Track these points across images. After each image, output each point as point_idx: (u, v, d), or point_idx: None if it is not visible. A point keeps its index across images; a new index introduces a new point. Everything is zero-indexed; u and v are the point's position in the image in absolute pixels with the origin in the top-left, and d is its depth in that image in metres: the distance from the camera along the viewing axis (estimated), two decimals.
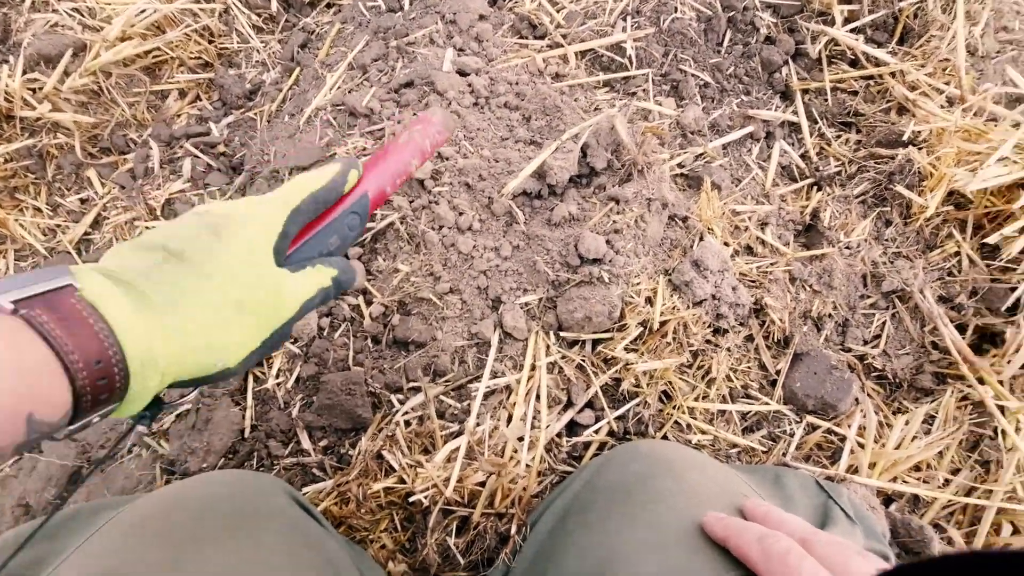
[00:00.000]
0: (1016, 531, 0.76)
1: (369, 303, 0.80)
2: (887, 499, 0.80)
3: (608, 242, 0.75)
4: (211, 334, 0.41)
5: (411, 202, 0.80)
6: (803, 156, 0.94)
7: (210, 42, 1.09)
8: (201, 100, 1.06)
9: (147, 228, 0.94)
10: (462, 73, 0.90)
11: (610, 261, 0.75)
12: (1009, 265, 0.80)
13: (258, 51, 1.10)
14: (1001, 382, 0.78)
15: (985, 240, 0.81)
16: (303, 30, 1.09)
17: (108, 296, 0.36)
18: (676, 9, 0.96)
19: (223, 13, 1.10)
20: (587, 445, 0.77)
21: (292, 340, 0.80)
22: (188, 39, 1.06)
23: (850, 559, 0.41)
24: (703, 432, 0.79)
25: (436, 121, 0.65)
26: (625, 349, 0.76)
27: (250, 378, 0.81)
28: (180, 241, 0.42)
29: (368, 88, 0.90)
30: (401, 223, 0.79)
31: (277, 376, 0.80)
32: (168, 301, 0.39)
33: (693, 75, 0.94)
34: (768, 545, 0.42)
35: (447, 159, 0.82)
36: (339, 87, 0.92)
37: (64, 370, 0.33)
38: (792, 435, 0.82)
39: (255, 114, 1.03)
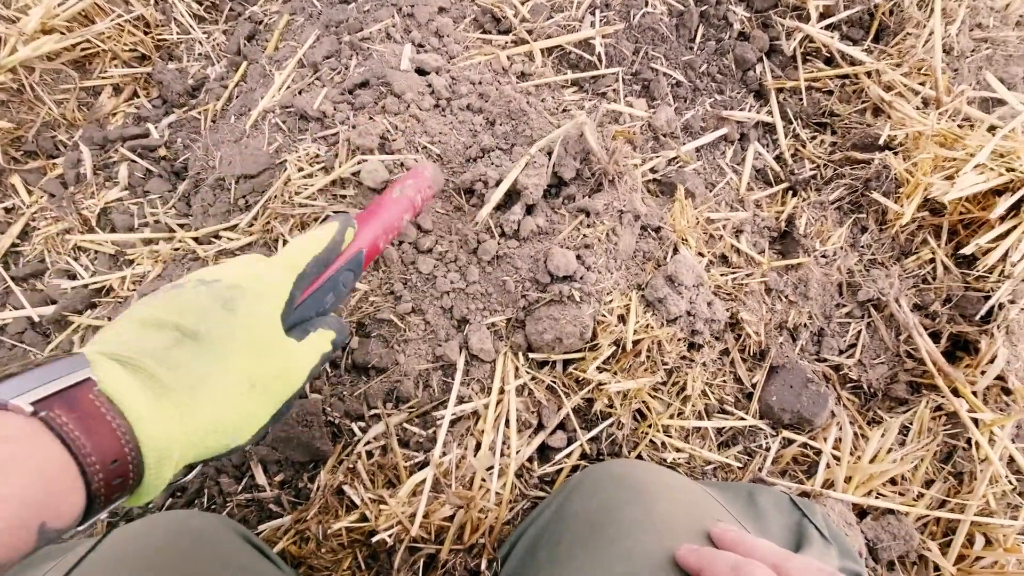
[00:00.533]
0: (989, 543, 0.76)
1: None
2: (862, 512, 0.79)
3: (579, 257, 0.71)
4: (227, 416, 0.41)
5: None
6: (778, 159, 0.91)
7: (146, 33, 1.00)
8: (138, 97, 0.98)
9: (81, 240, 0.87)
10: (421, 72, 0.84)
11: (581, 278, 0.71)
12: (984, 274, 0.79)
13: (200, 43, 1.01)
14: (975, 393, 0.78)
15: (960, 247, 0.79)
16: (250, 20, 1.01)
17: (126, 390, 0.35)
18: (647, 3, 0.91)
19: (160, 1, 1.01)
20: (560, 470, 0.74)
21: None
22: (121, 30, 0.97)
23: None
24: (678, 450, 0.76)
25: (427, 176, 0.68)
26: (597, 369, 0.73)
27: None
28: (194, 319, 0.41)
29: (320, 88, 0.84)
30: None
31: None
32: (186, 387, 0.38)
33: (665, 74, 0.90)
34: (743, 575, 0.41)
35: (408, 169, 0.76)
36: (288, 87, 0.85)
37: (81, 474, 0.32)
38: (768, 450, 0.80)
39: (199, 113, 0.95)
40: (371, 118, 0.80)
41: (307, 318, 0.51)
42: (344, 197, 0.78)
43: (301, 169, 0.80)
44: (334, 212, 0.76)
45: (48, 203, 0.89)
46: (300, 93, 0.84)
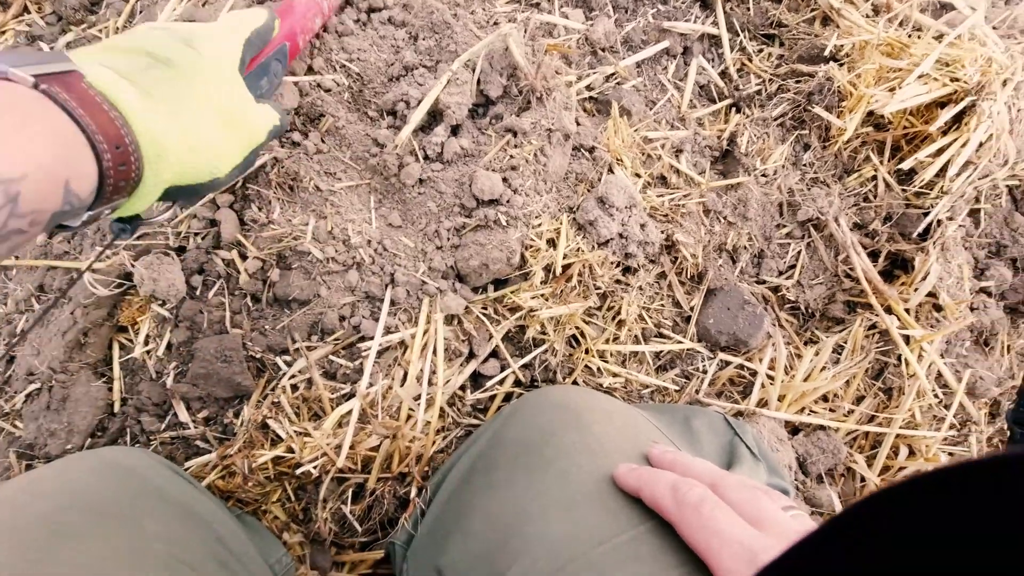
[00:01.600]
0: (912, 453, 0.78)
1: (244, 257, 0.71)
2: (795, 429, 0.81)
3: (505, 180, 0.68)
4: (208, 136, 0.43)
5: (281, 144, 0.69)
6: (723, 74, 0.87)
7: None
8: (29, 13, 0.89)
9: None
10: None
11: (507, 201, 0.67)
12: (923, 190, 0.78)
13: None
14: (908, 310, 0.78)
15: (901, 164, 0.78)
16: None
17: (115, 86, 0.36)
18: None
19: None
20: (493, 397, 0.74)
21: (160, 303, 0.71)
22: None
23: (759, 501, 0.42)
24: (614, 375, 0.76)
25: None
26: (530, 296, 0.71)
27: (115, 347, 0.72)
28: (162, 49, 0.42)
29: (226, 0, 0.76)
30: (273, 165, 0.69)
31: (146, 343, 0.71)
32: (167, 98, 0.40)
33: None
34: (682, 495, 0.42)
35: (328, 91, 0.71)
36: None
37: (91, 147, 0.33)
38: (705, 372, 0.80)
39: (100, 31, 0.87)
40: None
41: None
42: None
43: None
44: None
45: None
46: (203, 5, 0.77)
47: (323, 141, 0.70)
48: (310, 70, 0.71)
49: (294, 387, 0.69)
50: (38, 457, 0.69)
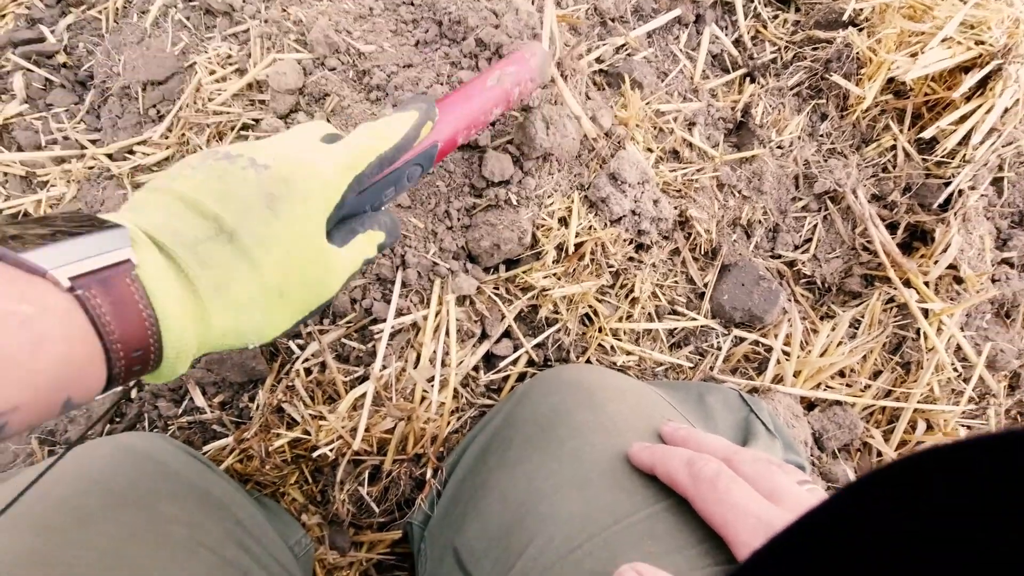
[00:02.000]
0: (930, 428, 0.77)
1: None
2: (811, 405, 0.80)
3: (515, 160, 0.67)
4: (250, 322, 0.40)
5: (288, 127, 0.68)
6: (736, 43, 0.84)
7: None
8: None
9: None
10: None
11: (519, 182, 0.66)
12: (944, 159, 0.75)
13: None
14: (927, 283, 0.76)
15: (922, 133, 0.75)
16: None
17: (160, 282, 0.35)
18: None
19: None
20: (506, 377, 0.73)
21: None
22: None
23: (774, 475, 0.41)
24: (628, 353, 0.75)
25: (533, 66, 0.56)
26: (542, 276, 0.70)
27: None
28: (234, 214, 0.38)
29: None
30: None
31: None
32: (213, 287, 0.37)
33: None
34: (697, 470, 0.41)
35: (332, 70, 0.69)
36: None
37: (105, 355, 0.33)
38: (719, 349, 0.80)
39: (99, 12, 0.85)
40: (284, 9, 0.72)
41: (358, 213, 0.46)
42: (263, 103, 0.72)
43: (212, 72, 0.73)
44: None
45: None
46: None
47: (328, 121, 0.69)
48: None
49: (307, 371, 0.69)
50: (59, 443, 0.70)
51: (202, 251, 0.37)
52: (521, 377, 0.74)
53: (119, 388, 0.36)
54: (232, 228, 0.38)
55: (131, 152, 0.76)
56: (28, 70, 0.81)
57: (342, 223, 0.46)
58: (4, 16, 0.85)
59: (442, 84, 0.69)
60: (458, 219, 0.69)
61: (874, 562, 0.19)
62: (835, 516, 0.22)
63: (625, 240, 0.71)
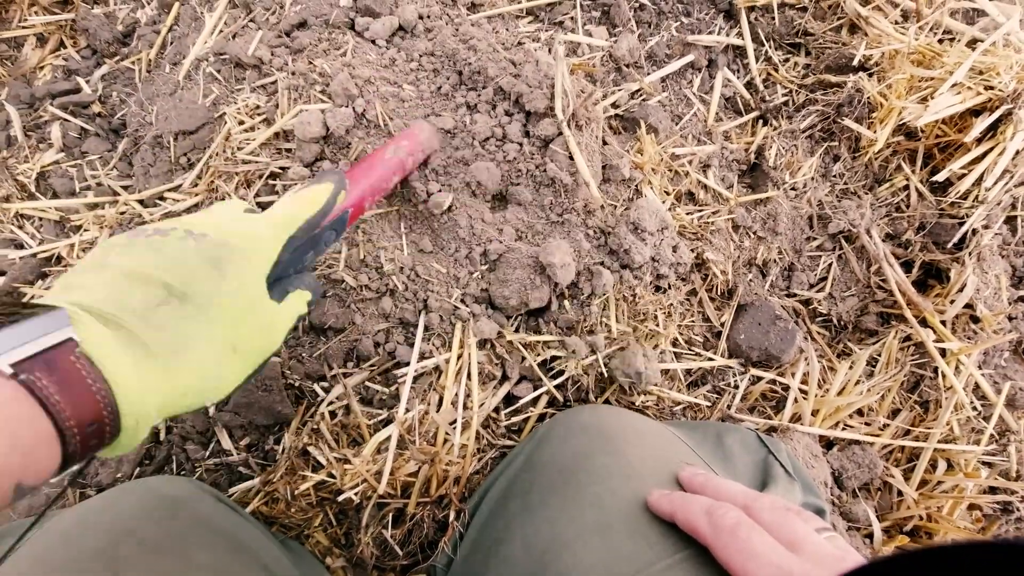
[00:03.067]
0: (950, 468, 0.77)
1: None
2: (829, 444, 0.80)
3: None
4: (207, 379, 0.40)
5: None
6: (748, 85, 0.86)
7: None
8: (65, 48, 0.91)
9: (22, 208, 0.83)
10: (370, 13, 0.77)
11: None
12: (958, 199, 0.76)
13: None
14: (944, 322, 0.77)
15: (936, 173, 0.76)
16: None
17: (108, 352, 0.35)
18: None
19: None
20: (527, 418, 0.74)
21: None
22: None
23: (793, 524, 0.42)
24: (646, 393, 0.76)
25: (421, 140, 0.65)
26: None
27: None
28: (182, 278, 0.39)
29: (255, 31, 0.78)
30: None
31: None
32: (169, 350, 0.38)
33: None
34: (717, 519, 0.42)
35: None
36: (220, 31, 0.79)
37: (59, 437, 0.33)
38: (737, 388, 0.80)
39: (132, 63, 0.89)
40: (311, 62, 0.75)
41: (286, 276, 0.49)
42: (289, 152, 0.74)
43: (241, 122, 0.75)
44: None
45: None
46: (233, 38, 0.78)
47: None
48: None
49: (332, 414, 0.70)
50: (90, 485, 0.72)
51: (154, 316, 0.38)
52: (541, 417, 0.75)
53: (76, 467, 0.36)
54: (182, 291, 0.39)
55: (162, 198, 0.79)
56: (65, 120, 0.85)
57: (275, 283, 0.48)
58: (43, 68, 0.88)
59: (460, 131, 0.71)
60: (480, 263, 0.71)
61: None
62: None
63: (645, 284, 0.72)
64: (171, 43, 0.87)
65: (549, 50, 0.77)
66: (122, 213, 0.81)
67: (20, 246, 0.84)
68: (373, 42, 0.77)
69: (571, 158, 0.69)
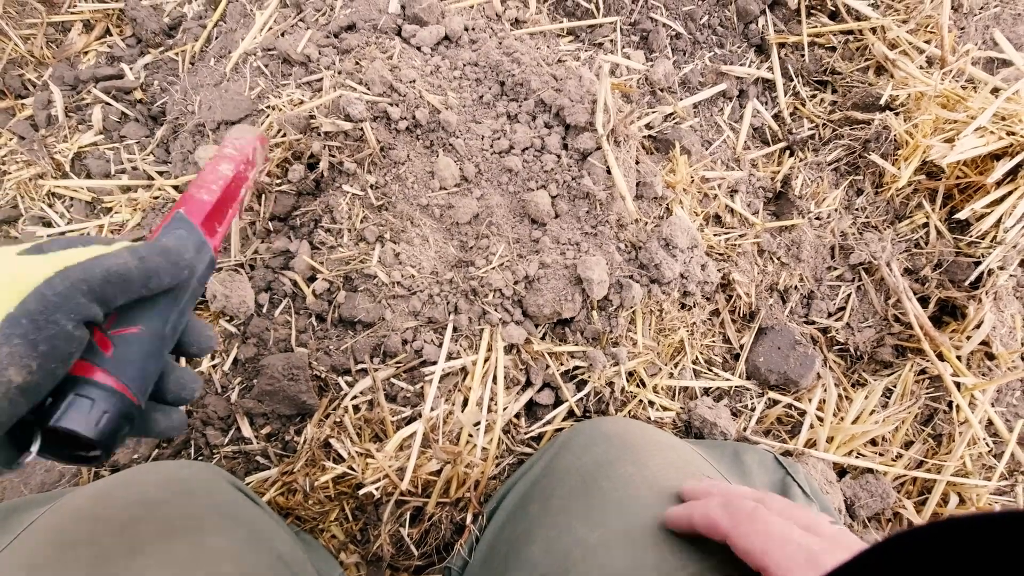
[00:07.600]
0: (962, 502, 0.78)
1: (312, 279, 0.73)
2: (842, 471, 0.81)
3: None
4: None
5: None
6: (776, 117, 0.89)
7: None
8: (111, 35, 0.93)
9: (55, 186, 0.83)
10: (416, 21, 0.79)
11: (576, 245, 0.69)
12: (976, 239, 0.79)
13: None
14: (959, 357, 0.78)
15: (955, 212, 0.79)
16: None
17: None
18: None
19: None
20: (547, 425, 0.74)
21: (228, 319, 0.73)
22: None
23: (807, 512, 0.43)
24: (665, 409, 0.77)
25: (240, 145, 0.57)
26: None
27: (182, 361, 0.74)
28: None
29: (304, 31, 0.80)
30: (357, 195, 0.72)
31: (212, 358, 0.73)
32: None
33: (664, 24, 0.87)
34: (735, 509, 0.42)
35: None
36: (270, 28, 0.81)
37: None
38: (753, 410, 0.81)
39: (176, 54, 0.90)
40: (357, 63, 0.77)
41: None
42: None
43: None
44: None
45: (18, 146, 0.85)
46: (282, 35, 0.80)
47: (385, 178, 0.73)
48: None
49: (356, 408, 0.70)
50: (105, 466, 0.71)
51: None
52: (558, 429, 0.75)
53: None
54: None
55: None
56: (107, 103, 0.86)
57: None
58: (88, 54, 0.90)
59: (499, 138, 0.73)
60: (511, 268, 0.72)
61: None
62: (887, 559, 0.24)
63: (672, 300, 0.74)
64: (216, 37, 0.89)
65: (590, 68, 0.80)
66: (155, 197, 0.82)
67: (48, 224, 0.84)
68: (419, 49, 0.79)
69: (608, 172, 0.71)
